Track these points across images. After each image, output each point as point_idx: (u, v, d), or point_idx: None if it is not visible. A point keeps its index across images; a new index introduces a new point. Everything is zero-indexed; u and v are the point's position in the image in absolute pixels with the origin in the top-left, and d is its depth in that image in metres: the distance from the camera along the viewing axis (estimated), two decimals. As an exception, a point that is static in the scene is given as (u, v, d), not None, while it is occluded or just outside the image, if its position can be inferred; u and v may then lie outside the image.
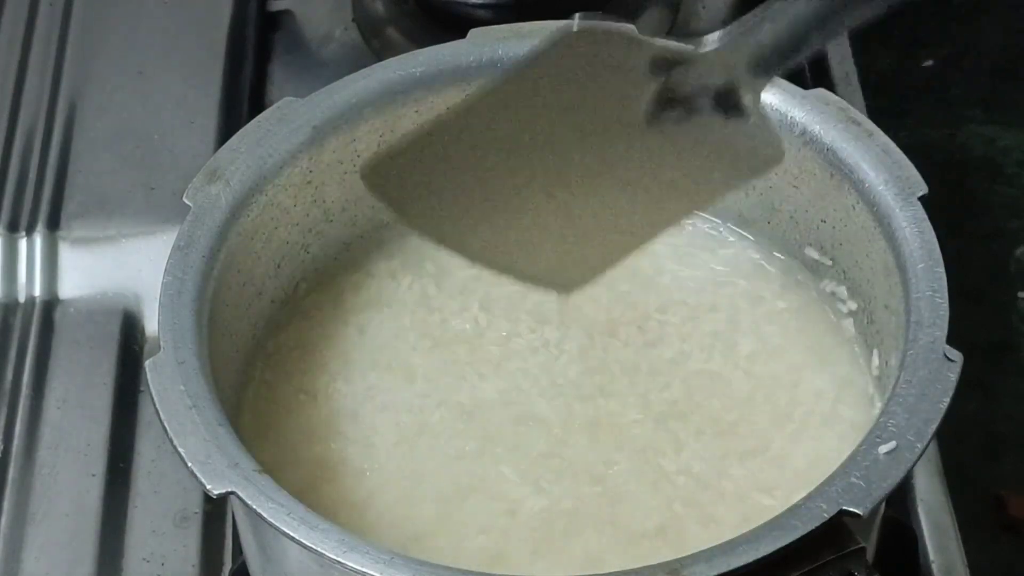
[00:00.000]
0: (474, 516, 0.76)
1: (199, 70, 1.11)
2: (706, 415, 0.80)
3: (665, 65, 0.71)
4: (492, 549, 0.75)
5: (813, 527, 0.67)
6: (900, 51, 1.45)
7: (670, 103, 0.71)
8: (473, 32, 0.86)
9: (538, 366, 0.82)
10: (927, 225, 0.77)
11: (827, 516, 0.67)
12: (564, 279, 0.73)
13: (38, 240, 1.02)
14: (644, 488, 0.77)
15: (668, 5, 1.14)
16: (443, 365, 0.82)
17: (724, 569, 0.66)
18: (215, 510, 0.91)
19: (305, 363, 0.84)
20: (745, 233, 0.88)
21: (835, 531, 0.68)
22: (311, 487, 0.78)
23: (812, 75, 1.10)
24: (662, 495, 0.76)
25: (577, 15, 0.74)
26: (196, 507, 0.92)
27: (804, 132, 0.82)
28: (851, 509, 0.67)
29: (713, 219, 0.88)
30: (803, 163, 0.82)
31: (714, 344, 0.83)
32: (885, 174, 0.79)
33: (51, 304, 1.01)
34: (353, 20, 1.16)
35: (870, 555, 0.73)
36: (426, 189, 0.72)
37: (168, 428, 0.71)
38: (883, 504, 0.70)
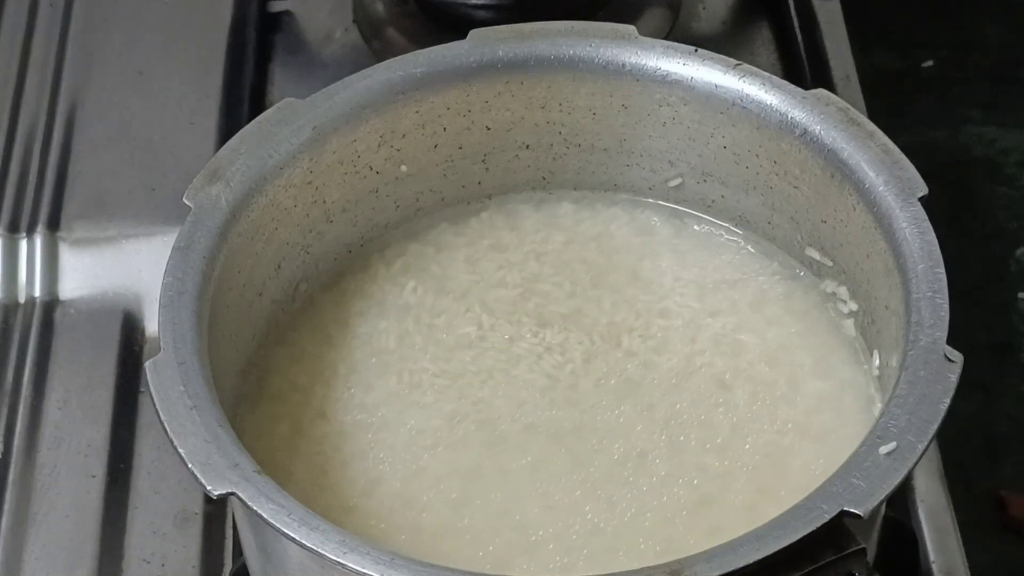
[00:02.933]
0: (481, 527, 0.76)
1: (199, 70, 1.11)
2: (710, 423, 0.79)
3: None
4: (497, 561, 0.75)
5: (814, 528, 0.67)
6: (900, 51, 1.45)
7: None
8: (473, 32, 0.86)
9: (544, 374, 0.82)
10: (927, 225, 0.77)
11: (828, 517, 0.67)
12: None
13: (38, 241, 1.02)
14: (651, 500, 0.77)
15: (668, 6, 1.15)
16: (449, 372, 0.82)
17: (725, 569, 0.66)
18: (215, 511, 0.91)
19: (308, 367, 0.83)
20: (746, 234, 0.88)
21: (836, 532, 0.68)
22: (313, 492, 0.78)
23: (812, 75, 1.10)
24: (669, 508, 0.76)
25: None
26: (196, 507, 0.92)
27: (804, 133, 0.82)
28: (852, 510, 0.67)
29: (714, 220, 0.88)
30: (803, 164, 0.82)
31: (717, 349, 0.83)
32: (885, 175, 0.79)
33: (51, 305, 1.01)
34: (353, 21, 1.16)
35: (871, 556, 0.73)
36: None
37: (168, 429, 0.71)
38: (884, 505, 0.70)
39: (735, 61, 0.84)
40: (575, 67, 0.85)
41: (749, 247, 0.87)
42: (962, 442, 1.18)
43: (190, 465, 0.70)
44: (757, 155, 0.84)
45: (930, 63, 1.44)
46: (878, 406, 0.79)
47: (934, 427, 0.70)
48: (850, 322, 0.83)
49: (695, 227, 0.89)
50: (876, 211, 0.78)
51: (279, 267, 0.84)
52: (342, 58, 1.14)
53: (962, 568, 0.88)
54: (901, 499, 0.90)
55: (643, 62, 0.85)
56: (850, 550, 0.68)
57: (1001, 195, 1.35)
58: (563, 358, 0.82)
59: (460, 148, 0.88)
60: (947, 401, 0.71)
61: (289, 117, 0.83)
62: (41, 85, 1.11)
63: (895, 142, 0.80)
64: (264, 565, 0.77)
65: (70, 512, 0.92)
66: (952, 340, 0.73)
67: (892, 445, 0.69)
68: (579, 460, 0.78)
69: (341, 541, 0.68)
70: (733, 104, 0.83)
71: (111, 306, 1.00)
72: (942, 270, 0.75)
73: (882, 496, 0.68)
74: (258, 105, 1.10)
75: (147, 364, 0.73)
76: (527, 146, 0.88)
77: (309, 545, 0.68)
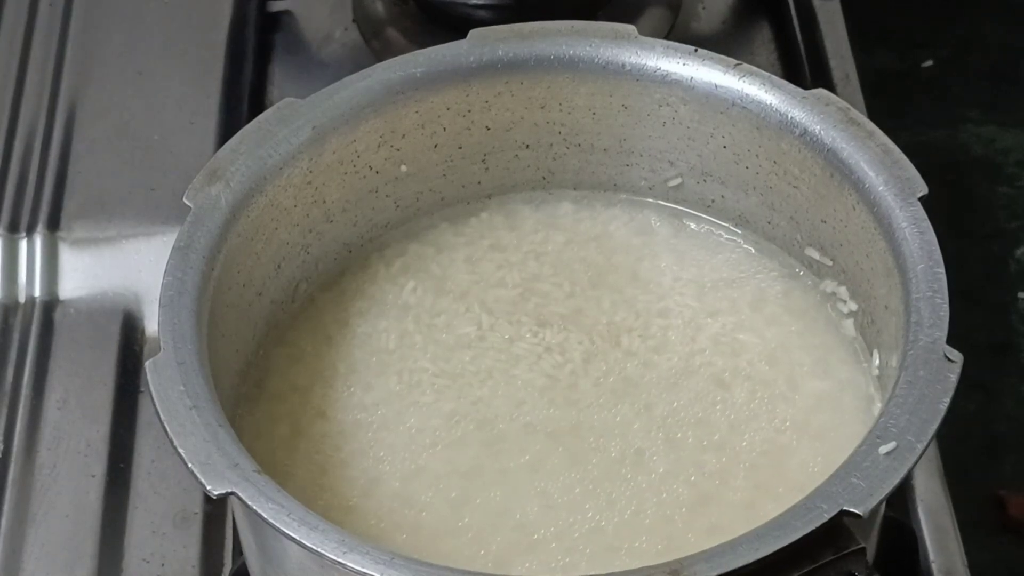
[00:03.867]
0: (481, 526, 0.76)
1: (199, 70, 1.11)
2: (708, 421, 0.79)
3: None
4: (498, 560, 0.75)
5: (813, 527, 0.67)
6: (900, 51, 1.45)
7: None
8: (473, 32, 0.86)
9: (543, 374, 0.82)
10: (927, 225, 0.77)
11: (827, 516, 0.67)
12: None
13: (38, 241, 1.02)
14: (650, 497, 0.77)
15: (668, 6, 1.15)
16: (449, 371, 0.82)
17: (724, 569, 0.66)
18: (215, 510, 0.91)
19: (307, 367, 0.83)
20: (745, 234, 0.88)
21: (835, 531, 0.68)
22: (312, 492, 0.78)
23: (812, 75, 1.10)
24: (668, 505, 0.76)
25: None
26: (196, 507, 0.92)
27: (804, 133, 0.82)
28: (851, 509, 0.67)
29: (713, 220, 0.88)
30: (803, 164, 0.82)
31: (716, 348, 0.83)
32: (885, 174, 0.79)
33: (51, 305, 1.01)
34: (353, 21, 1.16)
35: (870, 555, 0.73)
36: None
37: (168, 429, 0.71)
38: (883, 504, 0.70)
39: (735, 61, 0.84)
40: (575, 67, 0.85)
41: (748, 247, 0.88)
42: (962, 442, 1.18)
43: (190, 465, 0.70)
44: (757, 155, 0.84)
45: (930, 63, 1.44)
46: (877, 406, 0.79)
47: (934, 427, 0.70)
48: (850, 322, 0.83)
49: (694, 227, 0.89)
50: (876, 211, 0.78)
51: (279, 267, 0.84)
52: (342, 58, 1.14)
53: (961, 568, 0.88)
54: (901, 499, 0.90)
55: (643, 62, 0.85)
56: (849, 550, 0.68)
57: (1001, 195, 1.35)
58: (562, 358, 0.82)
59: (460, 148, 0.88)
60: (947, 401, 0.71)
61: (289, 117, 0.83)
62: (41, 85, 1.11)
63: (895, 142, 0.80)
64: (264, 565, 0.77)
65: (70, 512, 0.92)
66: (952, 340, 0.73)
67: (892, 445, 0.69)
68: (577, 458, 0.78)
69: (341, 541, 0.68)
70: (733, 104, 0.84)
71: (111, 306, 1.00)
72: (942, 270, 0.75)
73: (881, 496, 0.68)
74: (258, 105, 1.10)
75: (147, 364, 0.73)
76: (527, 146, 0.88)
77: (309, 545, 0.68)
